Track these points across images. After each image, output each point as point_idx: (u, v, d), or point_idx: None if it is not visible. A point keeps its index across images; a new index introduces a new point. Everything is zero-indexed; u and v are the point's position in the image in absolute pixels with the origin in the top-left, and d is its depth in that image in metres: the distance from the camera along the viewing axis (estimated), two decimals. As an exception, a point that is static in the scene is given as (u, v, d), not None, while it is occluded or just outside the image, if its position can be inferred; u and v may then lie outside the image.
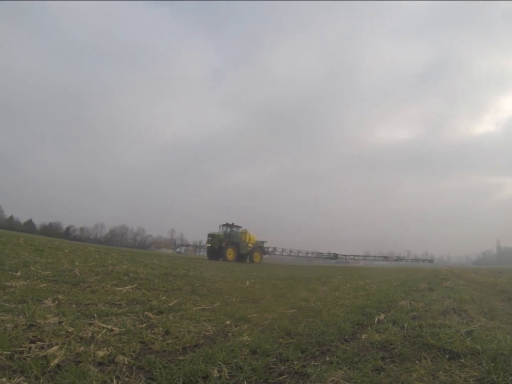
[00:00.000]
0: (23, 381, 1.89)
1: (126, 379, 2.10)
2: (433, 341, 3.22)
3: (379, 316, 4.63)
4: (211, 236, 35.30)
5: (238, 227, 37.39)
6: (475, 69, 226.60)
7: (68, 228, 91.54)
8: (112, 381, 2.04)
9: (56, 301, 3.84)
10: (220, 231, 36.24)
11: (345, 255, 46.31)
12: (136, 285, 5.81)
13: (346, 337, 3.57)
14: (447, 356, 2.89)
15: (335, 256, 45.68)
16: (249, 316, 4.17)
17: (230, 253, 34.20)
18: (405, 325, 3.93)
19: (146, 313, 3.80)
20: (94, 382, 1.98)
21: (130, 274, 7.37)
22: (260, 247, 38.87)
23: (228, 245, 34.70)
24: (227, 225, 36.80)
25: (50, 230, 79.38)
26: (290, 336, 3.43)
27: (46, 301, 3.73)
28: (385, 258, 48.74)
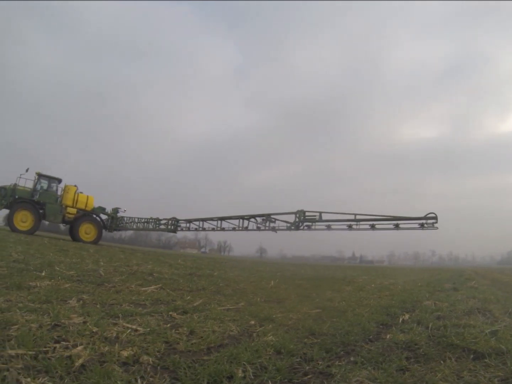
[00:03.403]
0: (48, 381, 1.90)
1: (151, 379, 2.10)
2: (458, 341, 3.18)
3: (403, 316, 4.57)
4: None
5: (56, 179, 22.52)
6: (502, 66, 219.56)
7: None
8: (136, 381, 2.03)
9: (81, 301, 3.88)
10: (33, 186, 21.67)
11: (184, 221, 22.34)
12: (160, 285, 5.86)
13: (371, 337, 3.52)
14: (472, 356, 2.86)
15: (175, 223, 22.47)
16: (274, 316, 4.15)
17: (24, 219, 20.23)
18: (430, 325, 3.89)
19: (170, 313, 3.81)
20: (118, 382, 1.98)
21: (154, 274, 7.47)
22: (97, 218, 24.05)
23: (19, 204, 20.36)
24: (39, 175, 21.89)
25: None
26: (315, 336, 3.39)
27: (70, 301, 3.77)
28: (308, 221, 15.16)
